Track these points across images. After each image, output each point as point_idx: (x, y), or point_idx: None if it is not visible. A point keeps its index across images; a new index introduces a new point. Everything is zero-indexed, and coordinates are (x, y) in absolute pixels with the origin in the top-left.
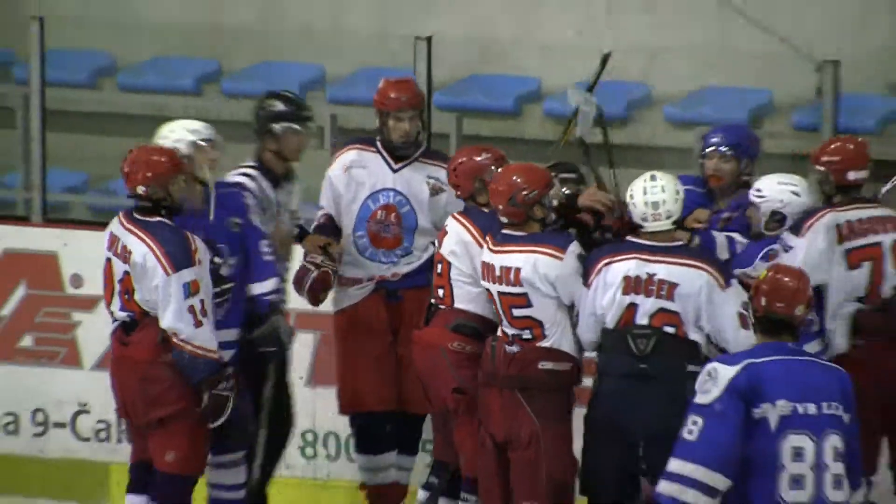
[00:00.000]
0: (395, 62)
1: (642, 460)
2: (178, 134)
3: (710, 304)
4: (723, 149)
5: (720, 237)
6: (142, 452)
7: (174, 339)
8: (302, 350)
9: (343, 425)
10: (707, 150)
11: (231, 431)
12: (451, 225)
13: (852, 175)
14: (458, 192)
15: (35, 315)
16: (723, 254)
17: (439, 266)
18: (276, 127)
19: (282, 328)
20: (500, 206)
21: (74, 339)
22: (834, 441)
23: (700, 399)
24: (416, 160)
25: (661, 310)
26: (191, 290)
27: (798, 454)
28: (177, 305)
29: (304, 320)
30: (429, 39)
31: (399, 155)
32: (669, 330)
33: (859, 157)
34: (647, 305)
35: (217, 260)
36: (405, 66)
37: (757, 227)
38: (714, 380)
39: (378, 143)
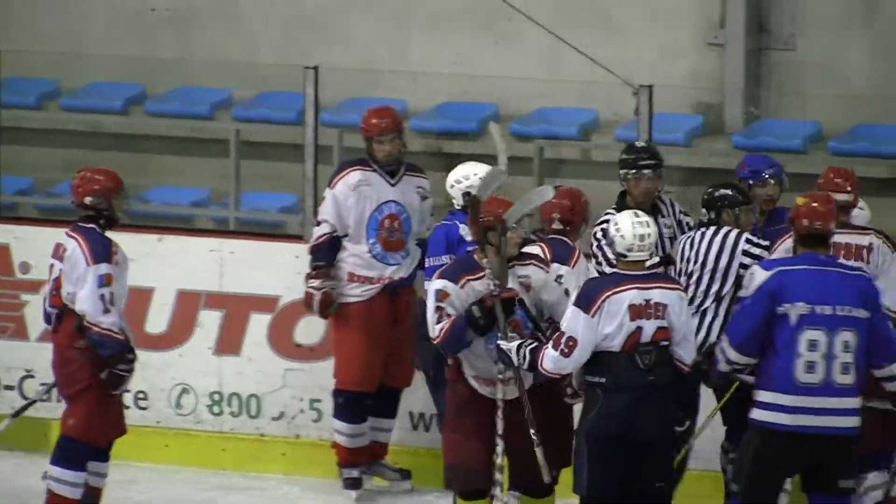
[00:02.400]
0: (290, 87)
1: (645, 464)
2: (469, 176)
3: (686, 317)
4: (767, 176)
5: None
6: None
7: (85, 321)
8: (211, 326)
9: (244, 386)
10: (761, 179)
11: None
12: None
13: (841, 197)
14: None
15: None
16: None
17: None
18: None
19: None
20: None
21: (22, 316)
22: (845, 336)
23: (742, 292)
24: (405, 174)
25: (659, 328)
26: (104, 281)
27: (812, 345)
28: (90, 292)
29: (213, 300)
30: (316, 68)
31: (389, 171)
32: (665, 343)
33: (843, 184)
34: (649, 326)
35: None
36: (297, 90)
37: None
38: (752, 280)
39: (369, 164)
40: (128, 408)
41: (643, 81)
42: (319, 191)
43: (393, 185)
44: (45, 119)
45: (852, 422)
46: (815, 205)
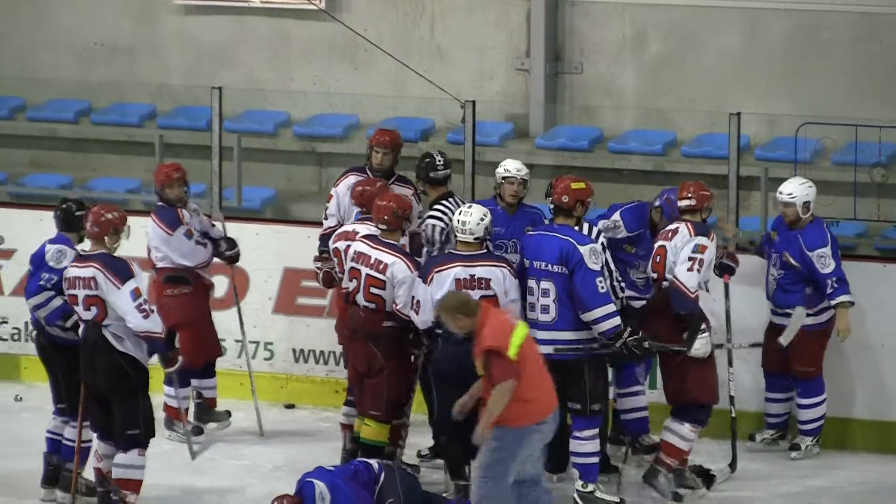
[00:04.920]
0: (199, 102)
1: (463, 392)
2: (501, 169)
3: (509, 287)
4: None
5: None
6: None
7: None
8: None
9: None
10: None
11: None
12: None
13: (682, 203)
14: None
15: None
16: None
17: None
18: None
19: None
20: (387, 217)
21: None
22: (544, 285)
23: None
24: (394, 183)
25: (483, 296)
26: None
27: (531, 292)
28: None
29: (143, 265)
30: (220, 88)
31: (380, 177)
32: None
33: (683, 189)
34: (475, 296)
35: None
36: (205, 105)
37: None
38: None
39: (367, 170)
40: None
41: (468, 97)
42: (224, 181)
43: None
44: (15, 127)
45: (553, 349)
46: (560, 186)
